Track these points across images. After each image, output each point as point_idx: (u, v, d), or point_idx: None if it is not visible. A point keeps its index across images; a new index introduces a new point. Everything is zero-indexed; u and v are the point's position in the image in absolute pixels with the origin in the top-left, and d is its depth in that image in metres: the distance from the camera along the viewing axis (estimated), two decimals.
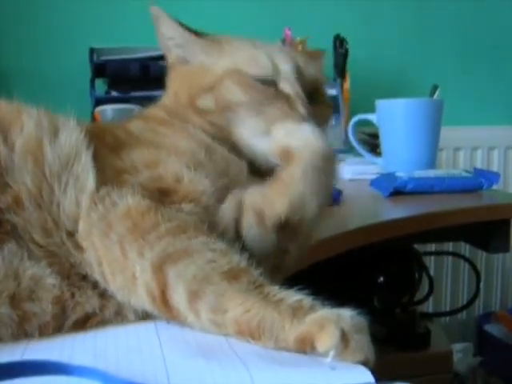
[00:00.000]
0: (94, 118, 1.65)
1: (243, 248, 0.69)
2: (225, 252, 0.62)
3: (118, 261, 0.63)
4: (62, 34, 2.07)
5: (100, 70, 1.86)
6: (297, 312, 0.56)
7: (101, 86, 1.91)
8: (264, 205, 0.70)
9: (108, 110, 1.61)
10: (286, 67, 0.80)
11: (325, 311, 0.56)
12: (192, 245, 0.62)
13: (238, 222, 0.71)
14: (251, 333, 0.57)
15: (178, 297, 0.60)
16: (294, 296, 0.58)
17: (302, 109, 0.78)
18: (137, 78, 1.84)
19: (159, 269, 0.61)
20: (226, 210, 0.72)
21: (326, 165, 0.70)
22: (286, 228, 0.71)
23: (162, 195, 0.68)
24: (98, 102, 1.75)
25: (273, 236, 0.71)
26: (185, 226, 0.65)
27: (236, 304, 0.58)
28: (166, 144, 0.75)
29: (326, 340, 0.53)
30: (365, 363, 0.53)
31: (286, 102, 0.79)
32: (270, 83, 0.80)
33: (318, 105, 0.81)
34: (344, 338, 0.53)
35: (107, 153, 0.73)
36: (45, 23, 2.05)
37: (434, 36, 2.41)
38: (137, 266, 0.62)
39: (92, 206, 0.65)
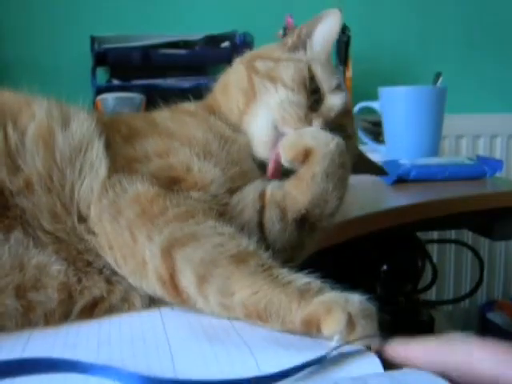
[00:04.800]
0: (95, 107, 1.64)
1: (265, 240, 0.70)
2: (233, 236, 0.63)
3: (129, 245, 0.63)
4: (62, 22, 2.06)
5: (101, 58, 1.85)
6: (304, 294, 0.56)
7: (102, 74, 1.91)
8: (287, 201, 0.71)
9: (109, 98, 1.61)
10: (340, 98, 0.84)
11: (333, 294, 0.56)
12: (200, 229, 0.63)
13: (261, 217, 0.72)
14: (259, 315, 0.57)
15: (187, 281, 0.61)
16: (302, 278, 0.58)
17: (319, 123, 0.80)
18: (138, 66, 1.84)
19: (168, 253, 0.61)
20: (248, 203, 0.73)
21: (343, 159, 0.72)
22: (306, 223, 0.72)
23: (171, 183, 0.69)
24: (100, 90, 1.75)
25: (294, 231, 0.72)
26: (193, 211, 0.65)
27: (243, 286, 0.58)
28: (183, 133, 0.77)
29: (332, 323, 0.53)
30: (369, 348, 0.53)
31: (316, 119, 0.81)
32: (318, 93, 0.83)
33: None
34: (350, 322, 0.53)
35: (120, 142, 0.74)
36: (45, 12, 2.04)
37: (437, 23, 2.39)
38: (146, 250, 0.62)
39: (103, 192, 0.66)
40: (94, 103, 1.66)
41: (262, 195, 0.73)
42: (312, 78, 0.83)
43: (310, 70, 0.84)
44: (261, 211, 0.72)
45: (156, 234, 0.62)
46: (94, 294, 0.65)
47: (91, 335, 0.60)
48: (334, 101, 0.83)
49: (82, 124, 0.71)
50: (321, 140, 0.72)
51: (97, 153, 0.69)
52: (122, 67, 1.85)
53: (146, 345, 0.57)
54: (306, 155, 0.71)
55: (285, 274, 0.59)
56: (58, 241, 0.65)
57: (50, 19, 2.05)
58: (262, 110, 0.82)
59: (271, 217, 0.72)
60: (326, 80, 0.84)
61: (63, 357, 0.53)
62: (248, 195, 0.74)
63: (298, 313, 0.56)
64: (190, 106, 0.87)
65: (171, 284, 0.62)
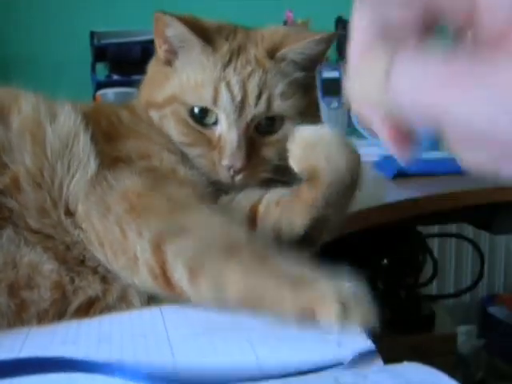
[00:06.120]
0: (95, 102, 1.64)
1: None
2: (223, 225, 0.62)
3: (119, 241, 0.63)
4: (62, 18, 2.06)
5: (101, 53, 1.85)
6: (297, 284, 0.56)
7: (102, 69, 1.90)
8: (282, 223, 0.69)
9: (109, 93, 1.61)
10: (226, 102, 0.74)
11: (325, 284, 0.55)
12: (190, 221, 0.62)
13: (251, 227, 0.70)
14: (253, 306, 0.57)
15: (179, 275, 0.60)
16: (295, 267, 0.57)
17: (228, 161, 0.74)
18: (138, 61, 1.82)
19: (158, 247, 0.61)
20: (238, 212, 0.72)
21: (352, 181, 0.67)
22: (304, 239, 0.70)
23: (158, 182, 0.68)
24: (99, 85, 1.75)
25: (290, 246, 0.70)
26: (182, 202, 0.65)
27: (236, 279, 0.57)
28: (155, 140, 0.75)
29: (327, 314, 0.53)
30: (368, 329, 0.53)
31: (213, 152, 0.75)
32: (207, 117, 0.76)
33: (275, 133, 0.77)
34: (345, 310, 0.52)
35: (103, 140, 0.72)
36: (45, 7, 2.04)
37: None
38: (137, 245, 0.62)
39: (91, 190, 0.66)
40: (94, 98, 1.66)
41: (253, 208, 0.72)
42: (191, 110, 0.76)
43: (185, 103, 0.76)
44: (251, 225, 0.71)
45: (145, 228, 0.62)
46: (88, 294, 0.64)
47: (91, 332, 0.60)
48: (222, 116, 0.75)
49: (70, 116, 0.70)
50: (333, 162, 0.66)
51: (83, 147, 0.68)
52: (121, 62, 1.85)
53: (147, 340, 0.57)
54: (314, 172, 0.67)
55: (277, 262, 0.58)
56: (45, 239, 0.65)
57: (50, 15, 2.05)
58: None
59: (263, 232, 0.70)
60: (200, 97, 0.75)
61: (62, 354, 0.53)
62: (239, 202, 0.73)
63: (291, 304, 0.55)
64: (139, 108, 0.81)
65: (163, 278, 0.61)
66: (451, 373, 0.47)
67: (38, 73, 1.95)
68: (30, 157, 0.66)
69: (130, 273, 0.64)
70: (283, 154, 0.72)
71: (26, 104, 0.70)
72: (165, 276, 0.61)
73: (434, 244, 2.30)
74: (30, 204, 0.65)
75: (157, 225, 0.62)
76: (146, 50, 1.82)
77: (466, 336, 2.28)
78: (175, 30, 0.76)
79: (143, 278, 0.63)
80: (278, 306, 0.56)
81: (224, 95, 0.74)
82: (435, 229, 2.21)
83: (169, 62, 0.79)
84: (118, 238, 0.63)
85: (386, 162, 1.51)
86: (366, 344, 0.53)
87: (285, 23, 1.93)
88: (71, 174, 0.67)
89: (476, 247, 2.01)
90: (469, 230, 2.27)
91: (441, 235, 2.26)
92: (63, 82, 1.90)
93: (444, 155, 1.54)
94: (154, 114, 0.78)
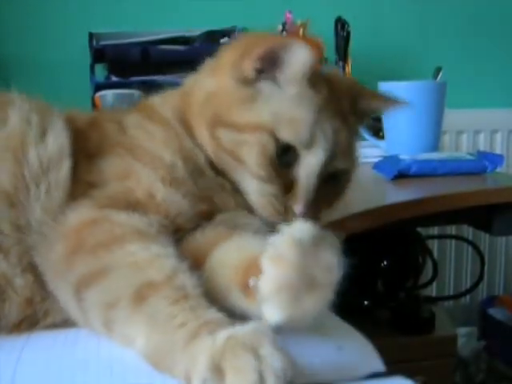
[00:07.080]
0: (94, 103, 1.64)
1: None
2: (146, 263, 0.58)
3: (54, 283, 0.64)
4: (61, 19, 2.05)
5: (99, 55, 1.84)
6: (189, 342, 0.51)
7: (101, 71, 1.90)
8: None
9: (108, 95, 1.60)
10: (320, 148, 0.71)
11: (220, 344, 0.49)
12: (111, 261, 0.59)
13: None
14: (155, 363, 0.53)
15: (96, 324, 0.59)
16: (199, 318, 0.53)
17: (301, 208, 0.70)
18: (137, 63, 1.83)
19: (78, 293, 0.59)
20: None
21: None
22: None
23: (129, 207, 0.65)
24: (98, 87, 1.74)
25: None
26: (122, 234, 0.61)
27: (140, 332, 0.54)
28: (148, 149, 0.71)
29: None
30: None
31: (295, 205, 0.70)
32: (288, 155, 0.71)
33: (335, 185, 0.76)
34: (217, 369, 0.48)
35: (85, 159, 0.70)
36: (43, 8, 2.04)
37: (437, 18, 2.38)
38: (66, 290, 0.61)
39: (48, 221, 0.65)
40: (93, 99, 1.66)
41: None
42: (280, 146, 0.71)
43: (275, 136, 0.71)
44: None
45: (71, 272, 0.60)
46: (56, 319, 0.64)
47: (92, 333, 0.60)
48: (308, 162, 0.71)
49: (58, 138, 0.69)
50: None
51: (61, 178, 0.67)
52: (120, 64, 1.84)
53: None
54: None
55: (185, 308, 0.53)
56: (19, 242, 0.65)
57: (48, 16, 2.04)
58: (246, 183, 0.73)
59: None
60: (296, 136, 0.71)
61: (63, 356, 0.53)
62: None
63: (181, 366, 0.50)
64: (163, 109, 0.78)
65: (88, 326, 0.60)
66: (451, 375, 0.46)
67: (37, 74, 1.95)
68: (7, 175, 0.65)
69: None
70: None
71: (14, 115, 0.68)
72: (88, 323, 0.60)
73: (434, 245, 2.29)
74: (5, 220, 0.64)
75: (81, 267, 0.59)
76: (145, 52, 1.82)
77: (466, 338, 2.27)
78: (297, 58, 0.72)
79: (76, 321, 0.62)
80: (169, 365, 0.52)
81: (321, 140, 0.71)
82: (435, 230, 2.21)
83: (248, 82, 0.73)
84: (53, 279, 0.63)
85: (385, 163, 1.51)
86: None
87: (284, 24, 1.93)
88: (41, 201, 0.66)
89: (476, 249, 2.01)
90: (468, 232, 2.27)
91: (440, 237, 2.26)
92: (62, 84, 1.90)
93: (444, 157, 1.54)
94: (223, 134, 0.72)
